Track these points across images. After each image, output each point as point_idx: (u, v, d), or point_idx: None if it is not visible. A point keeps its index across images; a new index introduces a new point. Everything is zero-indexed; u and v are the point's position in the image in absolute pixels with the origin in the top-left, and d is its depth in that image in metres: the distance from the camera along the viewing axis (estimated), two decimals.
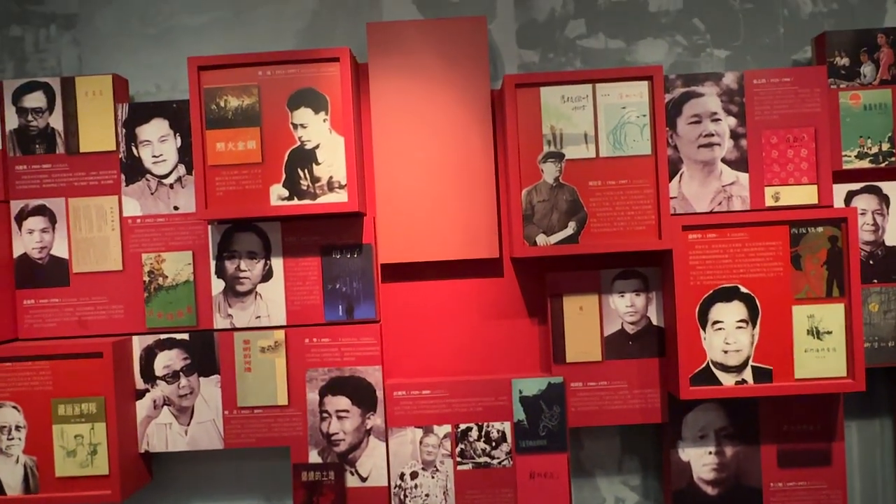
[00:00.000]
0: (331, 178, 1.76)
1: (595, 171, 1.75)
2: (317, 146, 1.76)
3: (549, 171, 1.75)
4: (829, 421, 1.82)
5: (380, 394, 1.85)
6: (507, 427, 1.84)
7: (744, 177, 1.82)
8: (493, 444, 1.85)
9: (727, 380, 1.74)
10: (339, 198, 1.76)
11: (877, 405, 1.94)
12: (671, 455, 1.83)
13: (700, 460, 1.83)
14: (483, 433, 1.85)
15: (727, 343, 1.74)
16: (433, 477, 1.85)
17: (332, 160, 1.76)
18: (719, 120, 1.82)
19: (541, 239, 1.75)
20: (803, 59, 1.95)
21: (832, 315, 1.73)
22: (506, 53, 1.98)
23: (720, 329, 1.74)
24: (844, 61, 1.82)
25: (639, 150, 1.75)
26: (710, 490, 1.83)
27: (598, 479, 1.97)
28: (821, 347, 1.73)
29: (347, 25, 1.97)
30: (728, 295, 1.74)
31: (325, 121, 1.76)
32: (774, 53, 1.96)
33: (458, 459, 1.84)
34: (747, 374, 1.74)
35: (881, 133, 1.82)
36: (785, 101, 1.81)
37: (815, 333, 1.74)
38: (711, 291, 1.74)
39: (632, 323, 1.84)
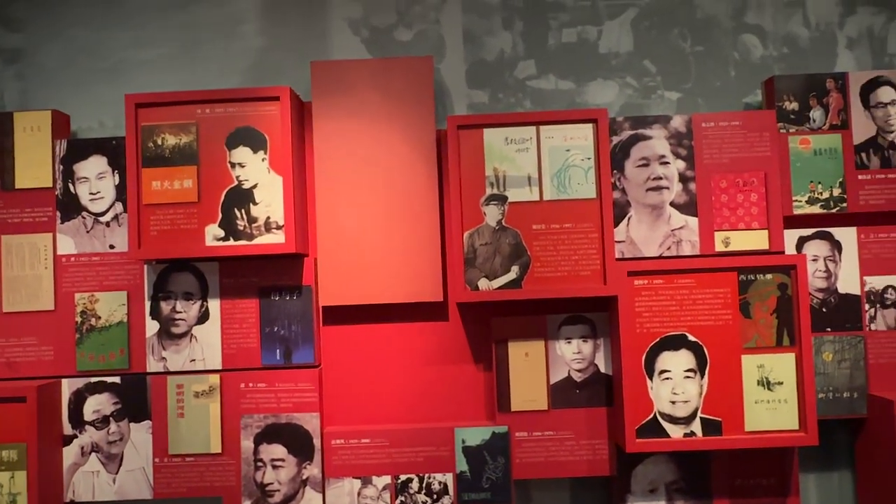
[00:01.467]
0: (268, 218, 1.72)
1: (539, 214, 1.71)
2: (255, 186, 1.72)
3: (492, 214, 1.71)
4: (784, 475, 1.75)
5: (317, 442, 1.77)
6: (449, 478, 1.76)
7: (693, 221, 1.78)
8: (435, 496, 1.77)
9: (675, 432, 1.68)
10: (276, 239, 1.71)
11: (834, 458, 1.87)
12: None
13: None
14: (424, 485, 1.77)
15: (675, 393, 1.68)
16: None
17: (271, 200, 1.72)
18: (668, 163, 1.79)
19: (483, 283, 1.70)
20: (755, 103, 1.93)
21: (783, 365, 1.68)
22: (455, 93, 1.95)
23: (667, 379, 1.68)
24: (794, 105, 1.80)
25: (583, 193, 1.71)
26: None
27: None
28: (772, 399, 1.67)
29: (295, 63, 1.95)
30: (675, 343, 1.68)
31: (263, 160, 1.72)
32: (726, 96, 1.94)
33: None
34: (696, 426, 1.67)
35: (832, 178, 1.79)
36: (734, 144, 1.78)
37: (766, 384, 1.68)
38: (658, 339, 1.69)
39: (579, 370, 1.78)
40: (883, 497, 1.72)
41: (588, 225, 1.71)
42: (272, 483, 1.77)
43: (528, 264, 1.70)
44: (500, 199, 1.71)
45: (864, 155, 1.79)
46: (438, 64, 1.94)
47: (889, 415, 1.67)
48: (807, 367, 1.66)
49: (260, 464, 1.77)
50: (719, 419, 1.68)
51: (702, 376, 1.68)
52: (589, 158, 1.71)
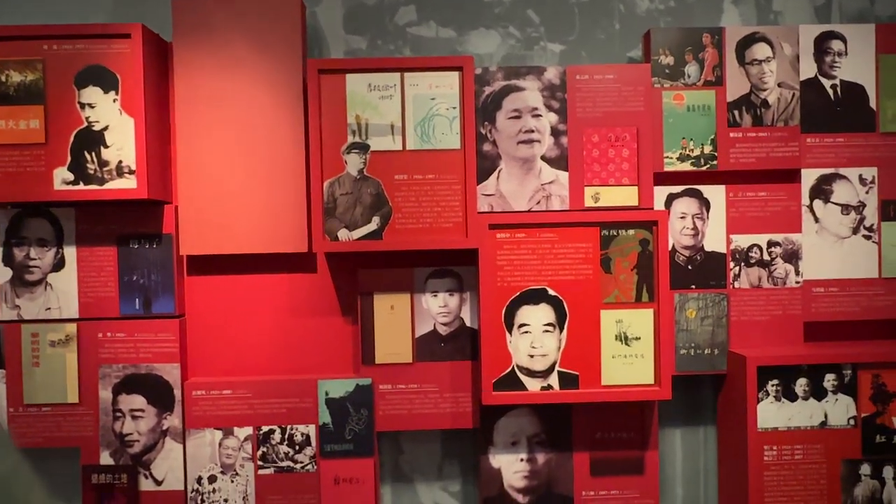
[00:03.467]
0: (120, 162, 1.65)
1: (401, 164, 1.67)
2: (105, 128, 1.64)
3: (353, 163, 1.67)
4: (644, 429, 1.78)
5: (178, 393, 1.74)
6: (311, 430, 1.76)
7: (563, 176, 1.76)
8: (297, 447, 1.76)
9: (533, 385, 1.68)
10: (128, 184, 1.64)
11: (700, 413, 1.91)
12: (482, 462, 1.77)
13: (511, 467, 1.77)
14: (286, 436, 1.76)
15: (533, 347, 1.68)
16: (233, 481, 1.75)
17: (123, 143, 1.64)
18: (540, 116, 1.75)
19: (343, 234, 1.67)
20: (637, 57, 1.90)
21: (641, 321, 1.69)
22: (332, 39, 1.88)
23: (526, 332, 1.68)
24: (669, 60, 1.77)
25: (447, 143, 1.68)
26: (520, 498, 1.77)
27: (418, 485, 1.90)
28: (629, 353, 1.69)
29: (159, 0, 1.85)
30: (535, 297, 1.68)
31: (115, 101, 1.64)
32: (609, 49, 1.90)
33: (260, 463, 1.75)
34: (553, 380, 1.68)
35: (704, 135, 1.78)
36: (608, 98, 1.75)
37: (624, 339, 1.69)
38: (518, 293, 1.68)
39: (444, 324, 1.77)
40: (737, 450, 1.76)
41: (451, 176, 1.67)
42: (131, 433, 1.74)
43: (389, 215, 1.67)
44: (362, 147, 1.67)
45: (736, 112, 1.77)
46: (314, 7, 1.86)
47: (744, 370, 1.70)
48: (664, 322, 1.67)
49: (119, 414, 1.74)
50: (576, 373, 1.69)
51: (561, 330, 1.68)
52: (454, 108, 1.67)
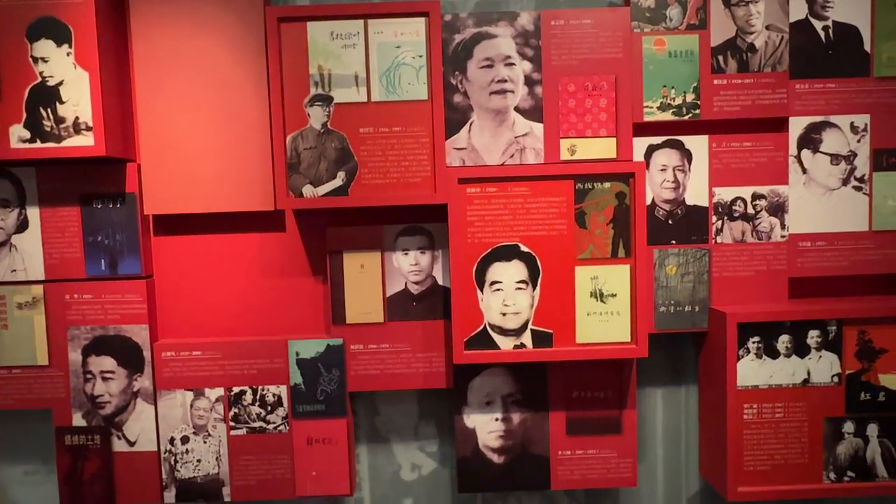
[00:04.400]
0: (77, 119, 1.59)
1: (366, 116, 1.60)
2: (60, 83, 1.59)
3: (317, 116, 1.60)
4: (621, 388, 1.74)
5: (147, 354, 1.72)
6: (283, 391, 1.74)
7: (538, 127, 1.68)
8: (269, 408, 1.74)
9: (505, 343, 1.64)
10: (85, 141, 1.59)
11: (682, 372, 1.86)
12: (457, 422, 1.74)
13: (486, 427, 1.74)
14: (258, 397, 1.74)
15: (506, 305, 1.63)
16: (205, 442, 1.74)
17: (79, 99, 1.59)
18: (513, 64, 1.67)
19: (307, 190, 1.62)
20: (620, 1, 1.80)
21: (617, 277, 1.63)
22: None
23: (498, 290, 1.63)
24: (650, 2, 1.67)
25: (414, 94, 1.60)
26: (495, 458, 1.75)
27: (394, 445, 1.88)
28: (604, 311, 1.64)
29: None
30: (507, 254, 1.62)
31: (68, 55, 1.58)
32: None
33: (232, 424, 1.74)
34: (526, 338, 1.64)
35: (686, 83, 1.69)
36: (585, 45, 1.66)
37: (599, 296, 1.63)
38: (490, 250, 1.62)
39: (416, 283, 1.73)
40: (717, 409, 1.71)
41: (419, 129, 1.60)
42: (102, 395, 1.73)
43: (355, 170, 1.61)
44: (325, 99, 1.60)
45: (721, 58, 1.68)
46: None
47: (724, 327, 1.64)
48: (640, 279, 1.61)
49: (89, 376, 1.73)
50: (550, 331, 1.64)
51: (534, 288, 1.63)
52: (420, 56, 1.59)
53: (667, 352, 1.86)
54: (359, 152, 1.61)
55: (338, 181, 1.61)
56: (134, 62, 1.66)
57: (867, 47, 1.69)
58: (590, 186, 1.61)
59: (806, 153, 1.71)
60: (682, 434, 1.88)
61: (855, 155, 1.71)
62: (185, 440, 1.75)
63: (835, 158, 1.71)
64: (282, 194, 1.60)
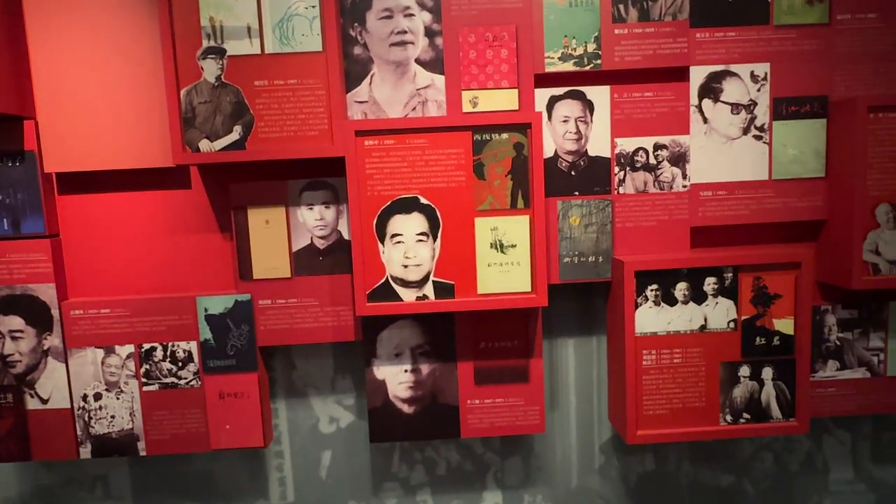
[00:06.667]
0: None
1: (261, 69, 1.59)
2: None
3: (210, 69, 1.59)
4: (528, 338, 1.77)
5: (55, 313, 1.73)
6: (193, 347, 1.75)
7: (440, 79, 1.68)
8: (180, 364, 1.76)
9: (407, 295, 1.66)
10: None
11: (592, 322, 1.90)
12: (367, 374, 1.77)
13: (395, 378, 1.77)
14: (168, 353, 1.76)
15: (407, 257, 1.65)
16: (118, 398, 1.76)
17: None
18: (413, 15, 1.66)
19: (204, 144, 1.61)
20: None
21: (516, 228, 1.65)
22: None
23: (399, 243, 1.64)
24: None
25: (308, 45, 1.59)
26: (405, 408, 1.78)
27: (312, 399, 1.91)
28: (504, 262, 1.66)
29: None
30: (407, 206, 1.63)
31: None
32: None
33: (144, 380, 1.76)
34: (428, 290, 1.66)
35: (587, 33, 1.68)
36: None
37: (499, 247, 1.65)
38: (389, 202, 1.63)
39: (322, 237, 1.73)
40: (619, 356, 1.75)
41: (314, 81, 1.59)
42: (13, 354, 1.74)
43: (251, 124, 1.60)
44: (218, 52, 1.58)
45: (621, 7, 1.67)
46: None
47: (623, 276, 1.67)
48: (539, 229, 1.63)
49: None
50: (452, 282, 1.66)
51: (434, 240, 1.65)
52: (314, 6, 1.57)
53: (578, 303, 1.89)
54: (255, 106, 1.60)
55: (234, 135, 1.60)
56: (26, 17, 1.63)
57: None
58: (487, 138, 1.62)
59: (707, 103, 1.72)
60: (594, 383, 1.93)
61: (755, 104, 1.72)
62: (97, 397, 1.77)
63: (735, 108, 1.72)
64: (177, 149, 1.59)
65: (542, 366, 1.78)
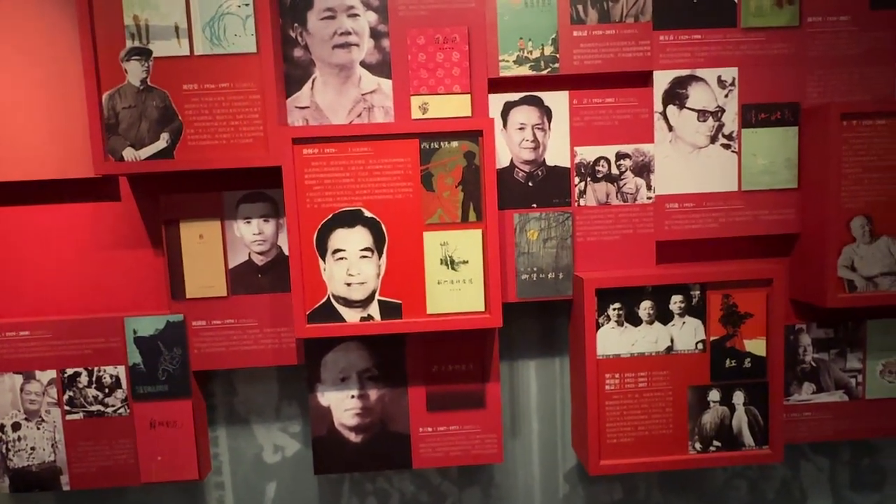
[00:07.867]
0: None
1: (190, 71, 1.47)
2: None
3: (135, 72, 1.47)
4: (484, 360, 1.65)
5: None
6: (121, 371, 1.62)
7: (387, 84, 1.57)
8: (107, 390, 1.62)
9: (351, 316, 1.54)
10: None
11: (555, 343, 1.78)
12: (311, 400, 1.64)
13: (341, 405, 1.64)
14: (94, 378, 1.62)
15: (350, 275, 1.53)
16: (39, 428, 1.62)
17: None
18: (357, 15, 1.55)
19: (129, 153, 1.48)
20: None
21: (468, 242, 1.53)
22: None
23: (342, 259, 1.52)
24: None
25: (242, 46, 1.47)
26: (352, 437, 1.65)
27: (255, 427, 1.78)
28: (456, 279, 1.54)
29: None
30: (350, 220, 1.51)
31: None
32: None
33: (67, 408, 1.62)
34: (374, 310, 1.54)
35: (544, 35, 1.58)
36: None
37: (450, 263, 1.54)
38: (331, 216, 1.51)
39: (260, 253, 1.61)
40: (580, 380, 1.64)
41: (248, 85, 1.48)
42: None
43: (180, 130, 1.48)
44: (143, 53, 1.46)
45: (580, 7, 1.57)
46: None
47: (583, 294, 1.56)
48: (492, 244, 1.51)
49: None
50: (399, 301, 1.54)
51: (380, 256, 1.53)
52: (247, 5, 1.46)
53: (539, 322, 1.77)
54: (183, 111, 1.47)
55: (161, 143, 1.48)
56: None
57: None
58: (436, 146, 1.50)
59: (672, 109, 1.62)
60: (557, 407, 1.81)
61: (723, 111, 1.62)
62: (16, 427, 1.62)
63: (702, 115, 1.62)
64: (99, 158, 1.47)
65: (499, 390, 1.65)
